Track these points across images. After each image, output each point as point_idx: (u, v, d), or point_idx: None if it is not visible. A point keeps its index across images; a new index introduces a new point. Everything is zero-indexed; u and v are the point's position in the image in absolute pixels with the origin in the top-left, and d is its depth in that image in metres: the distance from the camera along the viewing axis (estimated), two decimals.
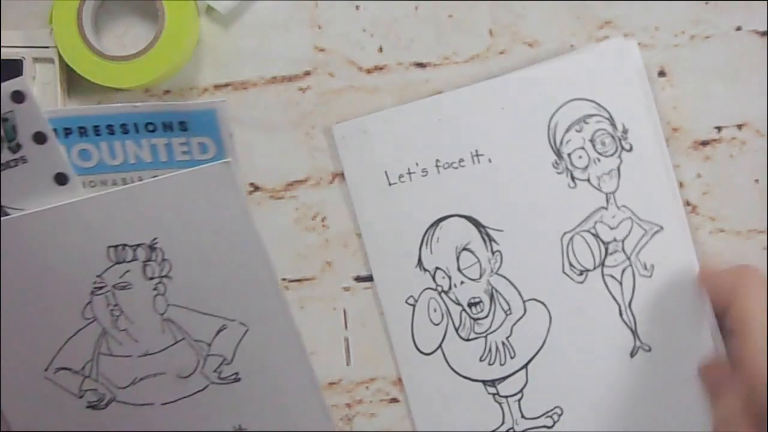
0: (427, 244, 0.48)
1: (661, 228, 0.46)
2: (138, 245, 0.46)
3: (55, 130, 0.46)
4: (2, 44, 0.48)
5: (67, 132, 0.46)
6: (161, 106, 0.47)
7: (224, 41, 0.50)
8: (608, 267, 0.47)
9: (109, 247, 0.46)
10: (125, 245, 0.46)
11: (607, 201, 0.46)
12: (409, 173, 0.48)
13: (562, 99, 0.47)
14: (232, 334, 0.47)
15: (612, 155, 0.46)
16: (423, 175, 0.48)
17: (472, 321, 0.48)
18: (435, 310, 0.48)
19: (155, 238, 0.46)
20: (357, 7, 0.50)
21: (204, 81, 0.50)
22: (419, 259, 0.48)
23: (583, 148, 0.46)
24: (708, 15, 0.49)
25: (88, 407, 0.48)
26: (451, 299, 0.48)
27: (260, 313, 0.48)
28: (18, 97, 0.42)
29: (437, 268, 0.48)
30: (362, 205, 0.49)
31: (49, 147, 0.44)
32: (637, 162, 0.46)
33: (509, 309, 0.48)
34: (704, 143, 0.49)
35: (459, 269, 0.48)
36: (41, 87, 0.49)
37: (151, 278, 0.47)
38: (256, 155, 0.50)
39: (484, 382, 0.48)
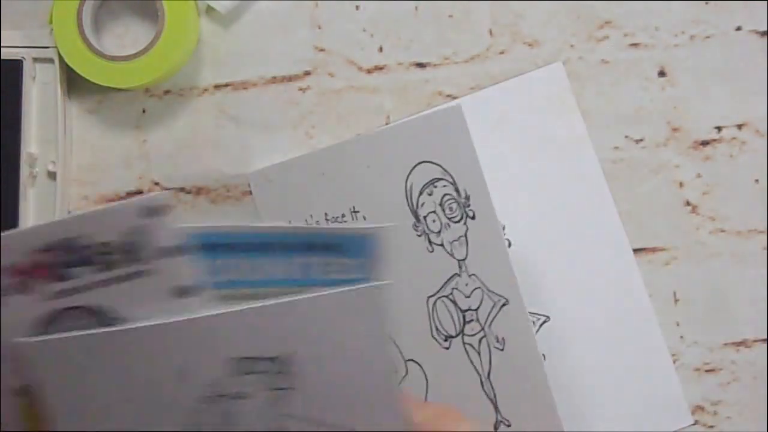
0: None
1: (507, 301, 0.46)
2: (270, 358, 0.44)
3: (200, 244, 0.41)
4: (2, 44, 0.48)
5: (213, 246, 0.41)
6: (319, 230, 0.45)
7: (224, 41, 0.50)
8: (467, 336, 0.46)
9: (234, 359, 0.44)
10: (255, 358, 0.43)
11: (460, 268, 0.46)
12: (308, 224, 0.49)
13: (413, 161, 0.47)
14: None
15: (459, 221, 0.46)
16: None
17: None
18: None
19: (292, 352, 0.44)
20: (357, 7, 0.50)
21: (204, 81, 0.50)
22: None
23: (434, 211, 0.46)
24: (708, 15, 0.49)
25: None
26: None
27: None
28: (151, 212, 0.38)
29: None
30: None
31: (176, 260, 0.40)
32: (481, 230, 0.46)
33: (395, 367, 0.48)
34: (704, 143, 0.49)
35: None
36: (41, 87, 0.49)
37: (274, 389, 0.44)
38: (256, 155, 0.50)
39: None
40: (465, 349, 0.46)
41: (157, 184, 0.50)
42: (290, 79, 0.50)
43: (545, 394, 0.45)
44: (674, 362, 0.48)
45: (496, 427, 0.46)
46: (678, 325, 0.48)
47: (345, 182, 0.48)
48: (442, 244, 0.46)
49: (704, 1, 0.49)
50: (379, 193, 0.47)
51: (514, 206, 0.48)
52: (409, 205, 0.47)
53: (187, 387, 0.43)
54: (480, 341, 0.46)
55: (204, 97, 0.50)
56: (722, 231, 0.49)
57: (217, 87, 0.50)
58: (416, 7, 0.49)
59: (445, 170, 0.46)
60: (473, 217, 0.46)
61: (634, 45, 0.49)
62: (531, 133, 0.49)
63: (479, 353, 0.46)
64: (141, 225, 0.38)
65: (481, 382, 0.46)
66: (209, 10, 0.49)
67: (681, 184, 0.49)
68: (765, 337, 0.48)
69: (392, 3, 0.49)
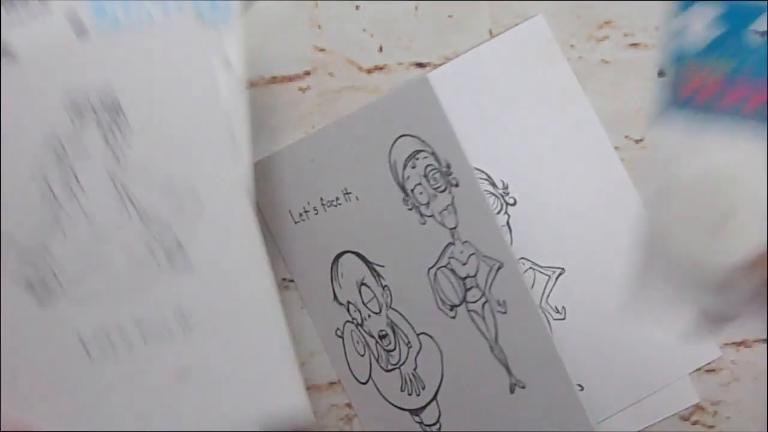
0: (335, 280, 0.49)
1: (501, 264, 0.46)
2: (100, 94, 0.42)
3: None
4: (2, 44, 0.48)
5: None
6: None
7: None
8: (470, 303, 0.47)
9: (66, 92, 0.42)
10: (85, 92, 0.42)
11: (453, 237, 0.46)
12: (305, 212, 0.49)
13: (392, 136, 0.47)
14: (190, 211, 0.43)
15: (444, 191, 0.46)
16: (315, 214, 0.49)
17: (385, 353, 0.48)
18: (358, 342, 0.49)
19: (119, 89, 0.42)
20: (357, 7, 0.50)
21: None
22: (334, 294, 0.49)
23: (420, 183, 0.47)
24: None
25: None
26: (365, 332, 0.48)
27: (220, 190, 0.44)
28: None
29: (349, 302, 0.49)
30: (282, 242, 0.49)
31: None
32: (466, 197, 0.46)
33: (409, 342, 0.48)
34: None
35: (364, 303, 0.48)
36: None
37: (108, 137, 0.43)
38: (257, 156, 0.50)
39: (410, 411, 0.48)
40: (470, 316, 0.47)
41: None
42: (290, 79, 0.50)
43: (551, 352, 0.46)
44: None
45: (511, 390, 0.46)
46: None
47: (334, 165, 0.48)
48: (432, 215, 0.47)
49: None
50: (367, 172, 0.48)
51: (514, 164, 0.48)
52: (396, 180, 0.47)
53: (27, 132, 0.42)
54: (483, 306, 0.46)
55: None
56: None
57: None
58: (416, 7, 0.50)
59: (424, 141, 0.46)
60: (457, 185, 0.46)
61: (634, 45, 0.49)
62: (522, 89, 0.48)
63: (484, 318, 0.46)
64: None
65: (491, 347, 0.46)
66: None
67: None
68: (765, 337, 0.48)
69: (392, 3, 0.50)
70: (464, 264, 0.46)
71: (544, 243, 0.47)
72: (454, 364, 0.47)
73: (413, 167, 0.47)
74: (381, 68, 0.50)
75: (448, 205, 0.46)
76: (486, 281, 0.46)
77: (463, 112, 0.47)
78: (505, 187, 0.47)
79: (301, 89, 0.50)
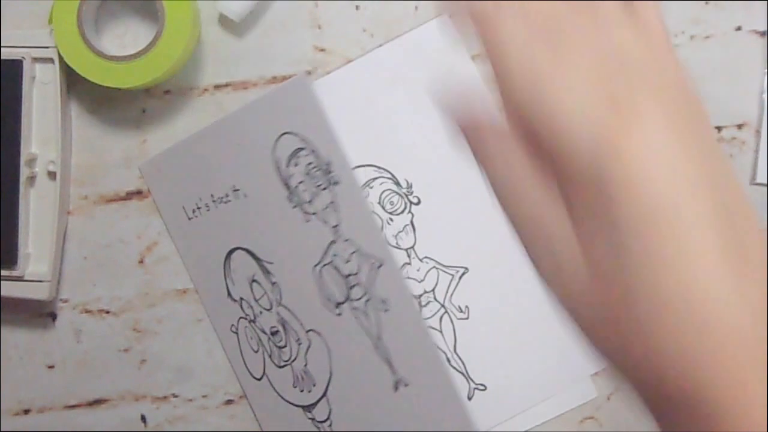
0: (228, 276, 0.49)
1: (382, 262, 0.46)
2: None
3: None
4: (2, 44, 0.48)
5: None
6: None
7: (224, 41, 0.50)
8: (353, 301, 0.47)
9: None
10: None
11: (335, 234, 0.46)
12: (198, 208, 0.49)
13: (275, 133, 0.47)
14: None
15: (326, 189, 0.46)
16: (207, 210, 0.49)
17: (277, 349, 0.48)
18: (251, 338, 0.49)
19: None
20: (357, 7, 0.50)
21: (204, 81, 0.50)
22: (227, 290, 0.49)
23: (303, 181, 0.47)
24: (708, 15, 0.49)
25: None
26: (258, 328, 0.49)
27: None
28: None
29: (241, 299, 0.49)
30: (177, 239, 0.50)
31: None
32: (347, 195, 0.47)
33: (299, 339, 0.48)
34: None
35: (255, 300, 0.48)
36: (41, 87, 0.49)
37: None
38: None
39: (302, 407, 0.48)
40: (354, 314, 0.47)
41: None
42: (290, 78, 0.50)
43: (432, 351, 0.46)
44: None
45: (395, 388, 0.46)
46: None
47: (222, 162, 0.49)
48: (315, 213, 0.47)
49: (704, 1, 0.49)
50: (253, 169, 0.48)
51: (418, 163, 0.47)
52: (280, 177, 0.47)
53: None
54: (366, 304, 0.47)
55: (204, 97, 0.50)
56: None
57: (217, 87, 0.50)
58: (416, 7, 0.49)
59: (305, 139, 0.47)
60: (337, 183, 0.46)
61: None
62: (426, 88, 0.48)
63: (367, 316, 0.47)
64: None
65: (375, 345, 0.47)
66: (222, 18, 0.49)
67: None
68: None
69: (392, 3, 0.49)
70: (347, 262, 0.47)
71: (448, 242, 0.47)
72: (342, 361, 0.47)
73: (296, 165, 0.47)
74: None
75: (330, 203, 0.46)
76: (367, 279, 0.47)
77: (368, 110, 0.47)
78: (410, 186, 0.47)
79: None
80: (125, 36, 0.50)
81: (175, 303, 0.50)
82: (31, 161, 0.49)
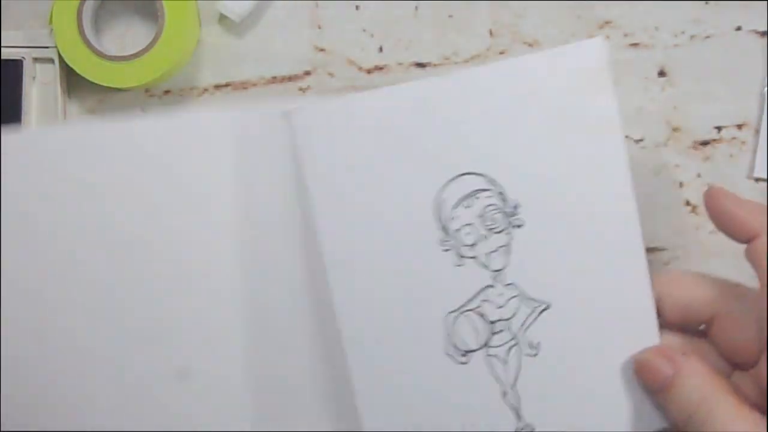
0: None
1: (548, 305, 0.44)
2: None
3: None
4: (2, 44, 0.48)
5: None
6: None
7: (224, 41, 0.50)
8: (492, 348, 0.44)
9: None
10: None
11: (494, 279, 0.44)
12: None
13: (450, 174, 0.44)
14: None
15: (501, 231, 0.44)
16: None
17: None
18: None
19: None
20: (357, 7, 0.50)
21: (204, 81, 0.50)
22: None
23: (471, 224, 0.44)
24: (708, 15, 0.49)
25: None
26: None
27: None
28: None
29: None
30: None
31: None
32: (529, 238, 0.44)
33: None
34: (704, 143, 0.49)
35: None
36: (41, 87, 0.49)
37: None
38: None
39: None
40: (487, 361, 0.45)
41: None
42: (290, 79, 0.50)
43: (581, 393, 0.44)
44: None
45: None
46: None
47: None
48: (475, 257, 0.45)
49: (704, 1, 0.49)
50: (402, 209, 0.44)
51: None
52: (438, 219, 0.44)
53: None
54: (509, 350, 0.45)
55: (204, 97, 0.50)
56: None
57: (217, 87, 0.50)
58: (416, 7, 0.49)
59: (491, 181, 0.44)
60: (520, 226, 0.45)
61: (634, 45, 0.49)
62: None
63: (506, 363, 0.45)
64: None
65: (504, 392, 0.45)
66: (222, 18, 0.49)
67: (681, 184, 0.49)
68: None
69: (392, 3, 0.50)
70: (500, 307, 0.44)
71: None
72: (449, 409, 0.44)
73: (467, 207, 0.44)
74: (381, 68, 0.50)
75: (500, 246, 0.44)
76: (523, 324, 0.44)
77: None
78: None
79: (301, 89, 0.50)
80: (125, 36, 0.50)
81: None
82: None
